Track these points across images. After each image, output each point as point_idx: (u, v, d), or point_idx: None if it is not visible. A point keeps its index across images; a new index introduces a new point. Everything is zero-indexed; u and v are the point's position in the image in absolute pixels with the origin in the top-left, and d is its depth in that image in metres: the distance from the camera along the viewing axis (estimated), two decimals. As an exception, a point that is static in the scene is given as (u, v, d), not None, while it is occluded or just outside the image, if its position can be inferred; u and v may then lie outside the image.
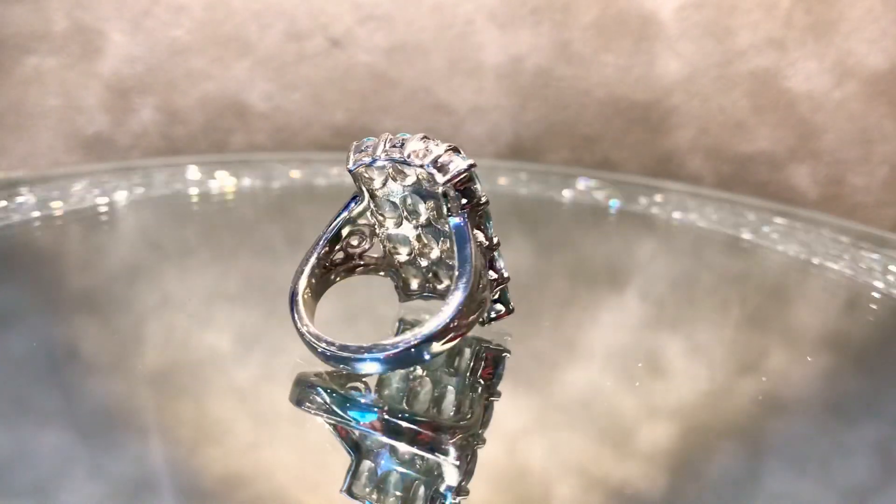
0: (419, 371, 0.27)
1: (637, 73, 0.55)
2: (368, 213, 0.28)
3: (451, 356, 0.28)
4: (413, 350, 0.23)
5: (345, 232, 0.28)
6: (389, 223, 0.28)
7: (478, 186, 0.25)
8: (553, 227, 0.47)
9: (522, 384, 0.28)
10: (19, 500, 0.20)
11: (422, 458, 0.22)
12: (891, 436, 0.26)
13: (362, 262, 0.29)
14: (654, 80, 0.55)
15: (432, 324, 0.23)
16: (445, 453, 0.22)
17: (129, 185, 0.46)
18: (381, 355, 0.23)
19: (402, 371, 0.26)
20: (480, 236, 0.26)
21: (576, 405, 0.27)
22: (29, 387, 0.26)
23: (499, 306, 0.28)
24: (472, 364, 0.27)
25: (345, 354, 0.24)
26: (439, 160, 0.25)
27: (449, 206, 0.25)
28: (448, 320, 0.23)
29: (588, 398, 0.27)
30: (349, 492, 0.21)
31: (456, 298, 0.24)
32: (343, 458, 0.23)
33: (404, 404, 0.25)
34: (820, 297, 0.38)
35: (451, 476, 0.21)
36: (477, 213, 0.26)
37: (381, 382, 0.26)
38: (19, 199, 0.41)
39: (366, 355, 0.24)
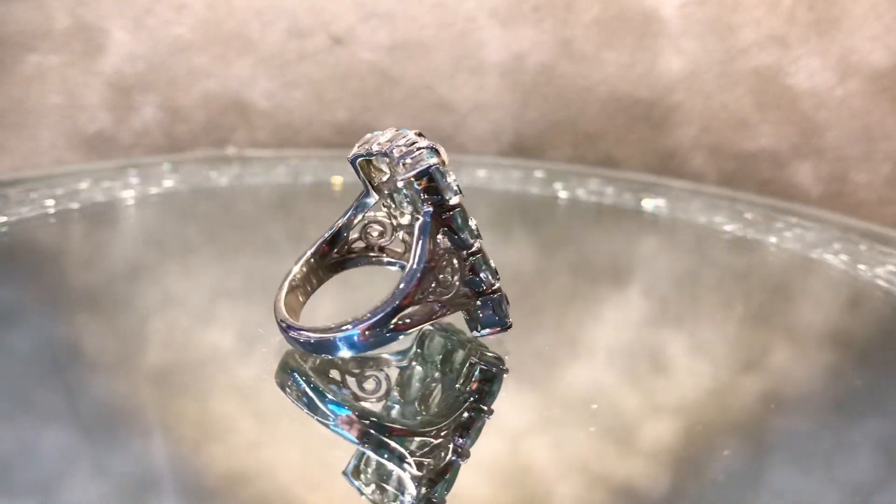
0: (436, 375, 0.27)
1: (639, 70, 0.55)
2: (382, 205, 0.28)
3: (457, 364, 0.27)
4: (336, 339, 0.24)
5: (357, 225, 0.29)
6: (405, 219, 0.28)
7: (444, 187, 0.25)
8: (555, 224, 0.46)
9: (525, 382, 0.28)
10: (22, 499, 0.20)
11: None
12: (894, 433, 0.26)
13: (384, 255, 0.29)
14: (657, 77, 0.55)
15: (363, 317, 0.24)
16: (409, 463, 0.22)
17: (130, 182, 0.46)
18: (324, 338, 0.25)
19: (420, 373, 0.27)
20: (444, 239, 0.25)
21: (578, 403, 0.27)
22: (32, 385, 0.26)
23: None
24: (463, 372, 0.27)
25: (288, 336, 0.25)
26: (410, 156, 0.25)
27: (411, 200, 0.25)
28: (376, 319, 0.24)
29: (590, 396, 0.27)
30: (351, 475, 0.21)
31: (395, 293, 0.24)
32: (345, 455, 0.23)
33: (383, 409, 0.25)
34: (823, 295, 0.38)
35: (409, 487, 0.21)
36: (445, 213, 0.25)
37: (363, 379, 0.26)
38: (22, 198, 0.41)
39: (292, 333, 0.25)
